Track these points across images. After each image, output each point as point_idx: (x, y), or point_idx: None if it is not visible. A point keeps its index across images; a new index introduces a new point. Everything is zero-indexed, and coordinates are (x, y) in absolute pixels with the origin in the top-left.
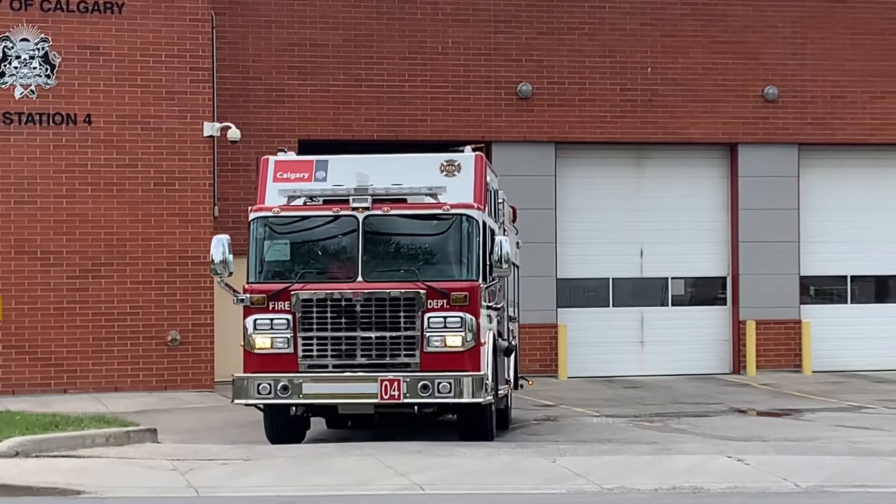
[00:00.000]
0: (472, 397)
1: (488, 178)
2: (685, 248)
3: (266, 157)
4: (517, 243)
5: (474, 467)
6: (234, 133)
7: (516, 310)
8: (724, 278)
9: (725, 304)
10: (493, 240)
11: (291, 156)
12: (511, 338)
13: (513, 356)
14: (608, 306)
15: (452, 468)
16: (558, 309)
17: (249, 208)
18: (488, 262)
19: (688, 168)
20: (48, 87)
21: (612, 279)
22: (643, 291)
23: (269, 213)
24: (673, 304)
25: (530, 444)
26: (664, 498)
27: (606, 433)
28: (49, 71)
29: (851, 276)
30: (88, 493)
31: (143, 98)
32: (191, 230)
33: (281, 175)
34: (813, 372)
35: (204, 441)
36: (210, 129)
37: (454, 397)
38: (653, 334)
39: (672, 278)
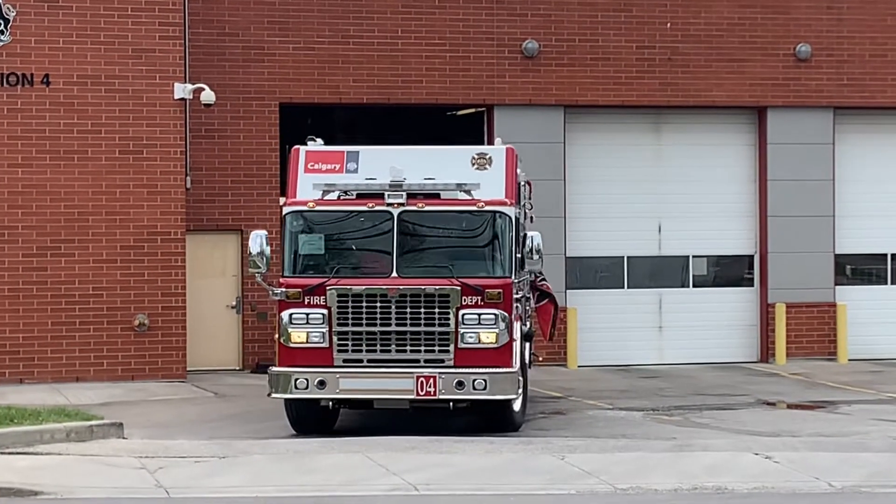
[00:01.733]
0: (506, 394)
1: (518, 171)
2: (708, 224)
3: (297, 147)
4: (531, 218)
5: (474, 465)
6: (207, 95)
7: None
8: (751, 257)
9: (752, 286)
10: (524, 234)
11: (319, 144)
12: (527, 318)
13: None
14: (623, 287)
15: (450, 467)
16: (567, 291)
17: (282, 200)
18: (520, 256)
19: (711, 135)
20: (1, 43)
21: (628, 258)
22: (662, 271)
23: (305, 208)
24: (695, 286)
25: (536, 440)
26: (684, 499)
27: (621, 428)
28: (2, 26)
29: (892, 255)
30: (47, 494)
31: (108, 56)
32: (160, 203)
33: (312, 166)
34: (849, 360)
35: (175, 436)
36: (181, 90)
37: (489, 394)
38: (672, 318)
39: (693, 257)
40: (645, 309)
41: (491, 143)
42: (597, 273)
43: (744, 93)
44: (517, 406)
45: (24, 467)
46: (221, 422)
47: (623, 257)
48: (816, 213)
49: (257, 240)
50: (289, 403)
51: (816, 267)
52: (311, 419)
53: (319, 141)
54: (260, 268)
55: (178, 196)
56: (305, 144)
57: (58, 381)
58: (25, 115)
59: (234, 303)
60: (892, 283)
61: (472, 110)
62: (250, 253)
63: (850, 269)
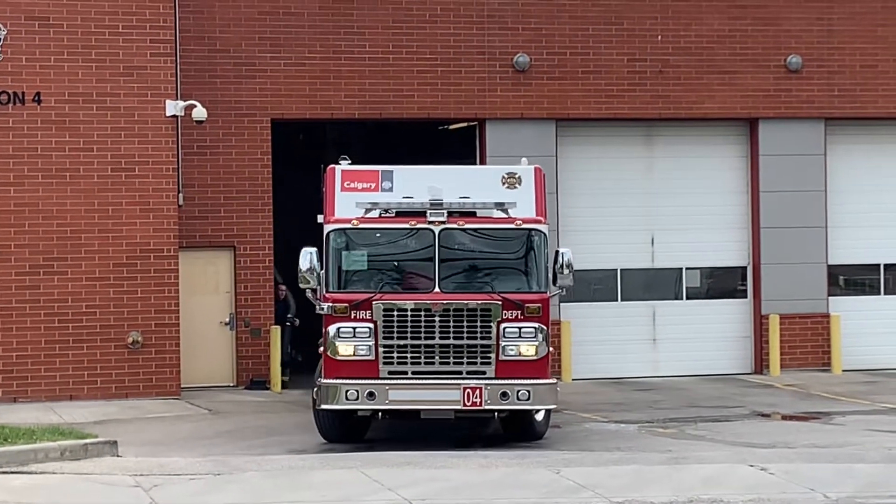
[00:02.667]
0: (546, 404)
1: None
2: (701, 236)
3: (332, 166)
4: None
5: (469, 480)
6: (199, 112)
7: None
8: (745, 268)
9: (746, 297)
10: (556, 250)
11: (349, 163)
12: None
13: None
14: (616, 300)
15: (445, 482)
16: (561, 304)
17: (323, 218)
18: (552, 272)
19: (703, 146)
20: None
21: (621, 270)
22: (655, 284)
23: (349, 225)
24: (688, 298)
25: (531, 454)
26: None
27: (616, 441)
28: None
29: (885, 265)
30: None
31: (99, 74)
32: (153, 220)
33: (348, 185)
34: (843, 371)
35: (170, 454)
36: (173, 107)
37: (531, 404)
38: (666, 331)
39: (687, 269)
40: (639, 321)
41: (483, 157)
42: (590, 286)
43: (735, 104)
44: (540, 416)
45: (18, 486)
46: (216, 439)
47: (616, 270)
48: (809, 224)
49: (307, 256)
50: (324, 414)
51: (809, 278)
52: (344, 429)
53: (349, 160)
54: (310, 283)
55: (170, 213)
56: (338, 163)
57: (51, 399)
58: (17, 133)
59: (227, 319)
60: (885, 294)
61: (465, 124)
62: (300, 269)
63: (844, 280)
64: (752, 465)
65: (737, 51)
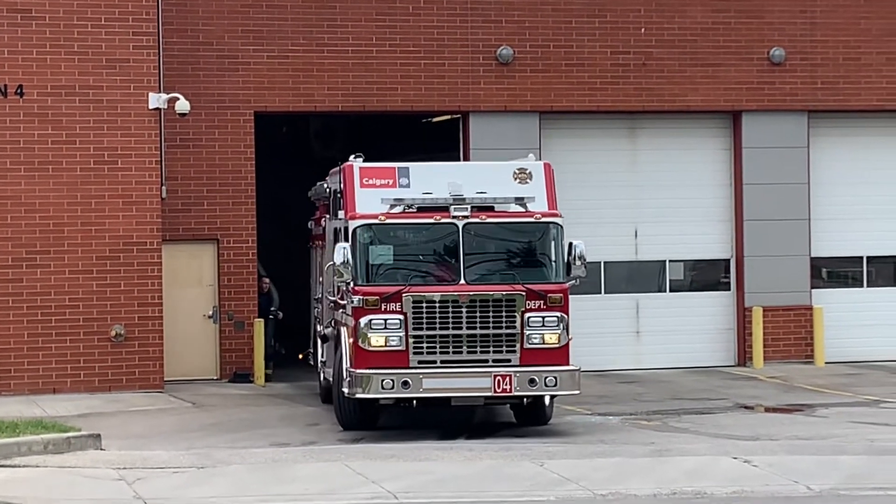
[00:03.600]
0: (571, 389)
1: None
2: (684, 228)
3: (349, 163)
4: None
5: (453, 473)
6: (182, 105)
7: None
8: (728, 261)
9: (729, 290)
10: (570, 243)
11: (361, 160)
12: None
13: None
14: (600, 293)
15: (429, 474)
16: None
17: (348, 214)
18: (567, 264)
19: (686, 139)
20: None
21: (604, 263)
22: (638, 276)
23: (376, 221)
24: (671, 290)
25: (515, 447)
26: None
27: (600, 433)
28: None
29: (868, 258)
30: None
31: (81, 67)
32: (136, 213)
33: (367, 181)
34: (826, 363)
35: (153, 447)
36: (156, 100)
37: (558, 390)
38: (649, 323)
39: (670, 261)
40: (622, 314)
41: (467, 150)
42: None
43: (718, 97)
44: (547, 401)
45: (1, 480)
46: (200, 432)
47: (600, 262)
48: (792, 216)
49: (342, 251)
50: (346, 402)
51: (793, 270)
52: (365, 416)
53: (363, 157)
54: (343, 276)
55: (153, 206)
56: (348, 160)
57: (34, 392)
58: None
59: (210, 312)
60: (868, 286)
61: (448, 117)
62: (335, 263)
63: (827, 272)
64: (735, 458)
65: (720, 43)
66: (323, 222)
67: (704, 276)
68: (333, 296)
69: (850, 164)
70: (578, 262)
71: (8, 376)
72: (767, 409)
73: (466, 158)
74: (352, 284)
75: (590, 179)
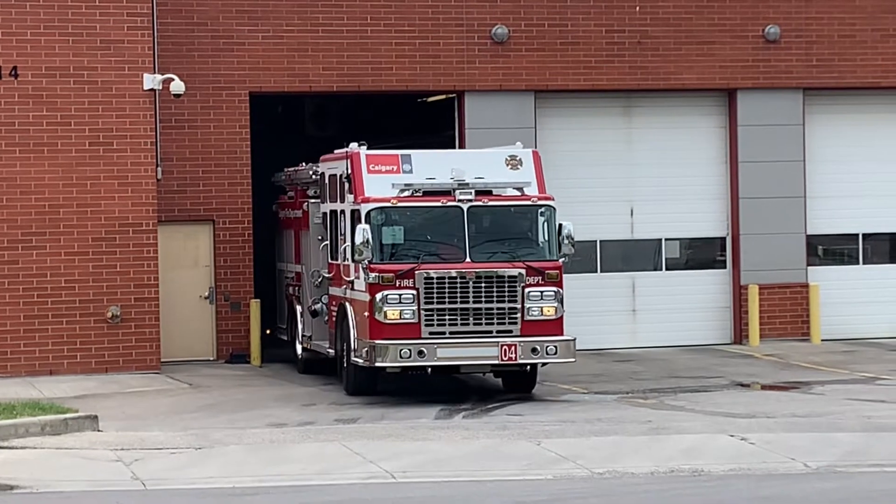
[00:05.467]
0: (568, 357)
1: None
2: (680, 207)
3: (356, 151)
4: None
5: (450, 452)
6: (177, 86)
7: None
8: (724, 239)
9: (725, 268)
10: (560, 223)
11: (364, 148)
12: None
13: None
14: (596, 272)
15: (426, 454)
16: None
17: (359, 198)
18: (557, 243)
19: (682, 117)
20: None
21: (600, 242)
22: (634, 255)
23: (388, 204)
24: (667, 269)
25: (512, 426)
26: (661, 482)
27: (596, 412)
28: None
29: (863, 235)
30: (23, 488)
31: (76, 48)
32: (131, 194)
33: (373, 167)
34: (822, 340)
35: (151, 428)
36: (151, 81)
37: (558, 358)
38: (645, 302)
39: (666, 240)
40: (618, 293)
41: (462, 129)
42: (569, 258)
43: (714, 75)
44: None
45: None
46: (197, 412)
47: (595, 241)
48: (787, 194)
49: (362, 232)
50: (354, 370)
51: (788, 248)
52: (370, 383)
53: (366, 144)
54: (363, 254)
55: (149, 187)
56: (347, 146)
57: (31, 374)
58: None
59: (207, 293)
60: (863, 264)
61: (443, 97)
62: (356, 242)
63: (822, 250)
64: (732, 436)
65: (715, 21)
66: (305, 206)
67: (700, 254)
68: (328, 273)
69: (846, 141)
70: (567, 242)
71: (4, 358)
72: (764, 387)
73: (462, 138)
74: (366, 263)
75: (585, 158)
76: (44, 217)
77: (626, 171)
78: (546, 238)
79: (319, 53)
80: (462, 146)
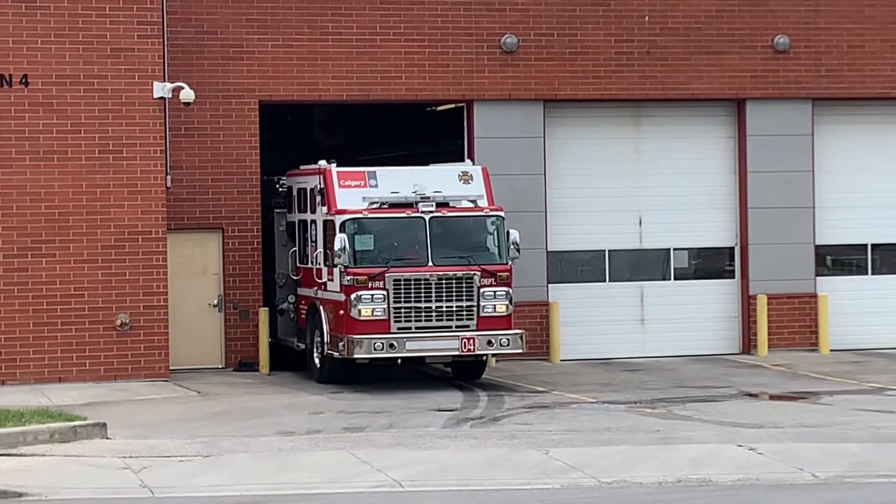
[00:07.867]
0: (518, 349)
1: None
2: (689, 216)
3: (328, 167)
4: None
5: (458, 461)
6: (187, 94)
7: None
8: (732, 249)
9: (733, 278)
10: (507, 231)
11: (334, 165)
12: None
13: None
14: (604, 281)
15: (434, 462)
16: (549, 285)
17: (333, 210)
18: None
19: (691, 127)
20: None
21: (609, 251)
22: (643, 264)
23: (361, 215)
24: (676, 278)
25: (520, 435)
26: (669, 492)
27: (604, 421)
28: None
29: (872, 245)
30: (31, 496)
31: (86, 56)
32: (140, 202)
33: (343, 182)
34: (830, 351)
35: (159, 436)
36: (161, 89)
37: (509, 349)
38: (654, 311)
39: (674, 249)
40: (626, 302)
41: (471, 138)
42: (578, 267)
43: (723, 85)
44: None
45: (7, 469)
46: (205, 420)
47: (604, 251)
48: (796, 204)
49: (341, 240)
50: (331, 362)
51: (797, 258)
52: (344, 374)
53: (335, 162)
54: (341, 259)
55: (158, 195)
56: (325, 162)
57: (40, 381)
58: (4, 115)
59: (215, 301)
60: (872, 274)
61: (452, 106)
62: (335, 249)
63: (831, 260)
64: (740, 445)
65: (724, 31)
66: (271, 216)
67: (709, 263)
68: (296, 276)
69: (855, 151)
70: (513, 247)
71: (14, 365)
72: (772, 397)
73: (471, 147)
74: (342, 267)
75: (594, 168)
76: (53, 224)
77: (635, 181)
78: (497, 244)
79: (328, 62)
80: (471, 155)
